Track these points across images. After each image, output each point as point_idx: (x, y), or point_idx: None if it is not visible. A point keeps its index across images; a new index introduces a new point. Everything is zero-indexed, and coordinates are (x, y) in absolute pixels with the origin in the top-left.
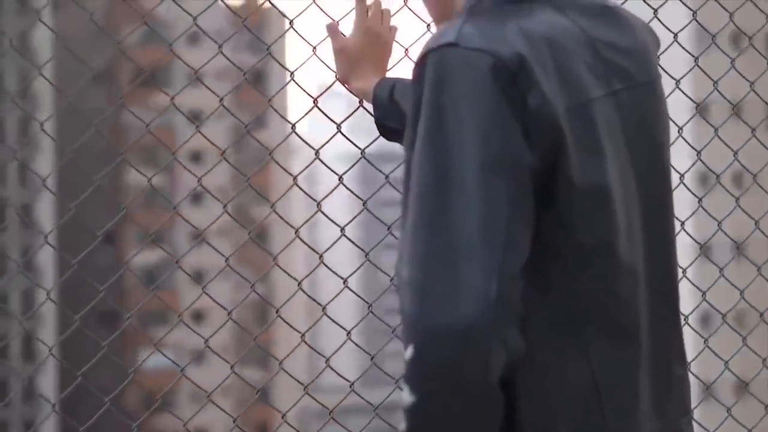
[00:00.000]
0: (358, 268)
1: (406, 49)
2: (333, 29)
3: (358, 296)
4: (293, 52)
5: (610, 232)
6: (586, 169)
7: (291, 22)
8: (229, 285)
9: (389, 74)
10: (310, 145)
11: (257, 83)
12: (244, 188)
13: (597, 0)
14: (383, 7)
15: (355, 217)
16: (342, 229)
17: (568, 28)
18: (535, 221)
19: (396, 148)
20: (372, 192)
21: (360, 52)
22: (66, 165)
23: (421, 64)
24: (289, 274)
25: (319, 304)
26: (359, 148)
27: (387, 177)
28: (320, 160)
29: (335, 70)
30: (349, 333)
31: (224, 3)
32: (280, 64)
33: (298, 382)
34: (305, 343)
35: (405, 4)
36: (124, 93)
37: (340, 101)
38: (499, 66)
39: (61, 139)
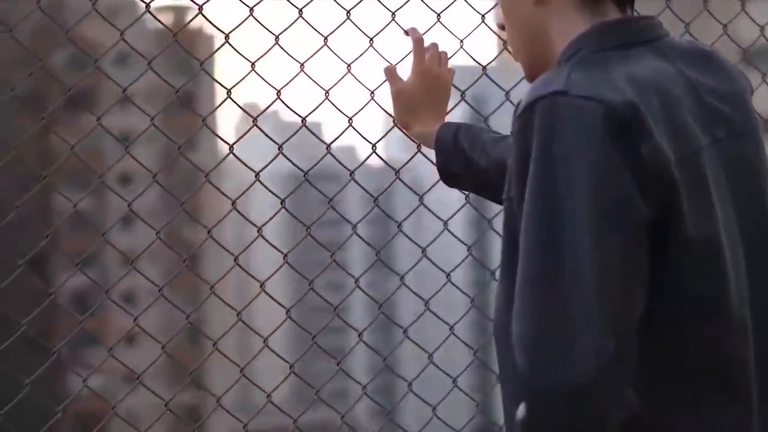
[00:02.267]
0: (301, 298)
1: (463, 93)
2: (391, 73)
3: (300, 326)
4: (222, 73)
5: (722, 285)
6: (698, 220)
7: (227, 36)
8: (162, 309)
9: (448, 118)
10: (250, 167)
11: (187, 105)
12: (177, 213)
13: (695, 44)
14: (440, 49)
15: (297, 244)
16: (285, 256)
17: (671, 73)
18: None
19: (331, 166)
20: (305, 212)
21: (418, 95)
22: None
23: (528, 112)
24: (225, 302)
25: (260, 335)
26: (302, 170)
27: (330, 201)
28: (261, 182)
29: (393, 114)
30: (292, 366)
31: (155, 17)
32: (217, 82)
33: (236, 418)
34: (244, 376)
35: (461, 46)
36: (49, 116)
37: (268, 122)
38: (611, 114)
39: None
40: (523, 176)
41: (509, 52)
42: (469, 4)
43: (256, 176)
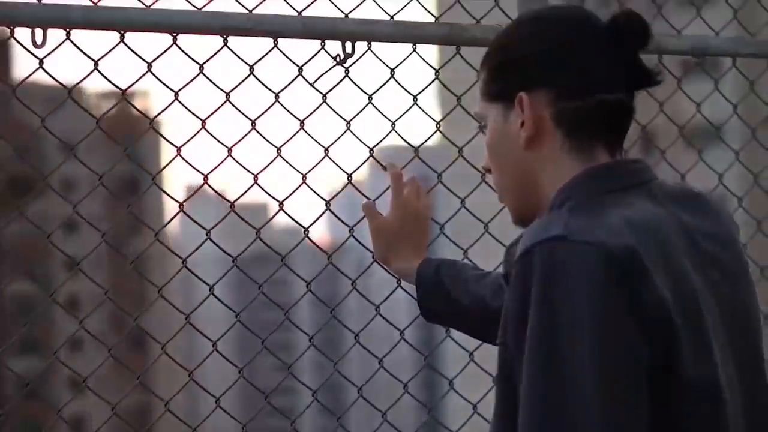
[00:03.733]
0: (233, 384)
1: (442, 226)
2: (369, 208)
3: (234, 419)
4: (167, 156)
5: (722, 428)
6: (698, 363)
7: (151, 121)
8: (107, 394)
9: (429, 252)
10: (176, 254)
11: (131, 190)
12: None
13: (685, 186)
14: (419, 184)
15: (229, 330)
16: (213, 344)
17: (665, 216)
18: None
19: (277, 248)
20: (248, 296)
21: (398, 230)
22: None
23: (526, 258)
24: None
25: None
26: (231, 256)
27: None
28: (188, 268)
29: (373, 250)
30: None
31: (93, 117)
32: (145, 170)
33: None
34: None
35: (439, 180)
36: None
37: (210, 206)
38: (612, 260)
39: None
40: (521, 322)
41: (494, 189)
42: (400, 84)
43: (183, 263)
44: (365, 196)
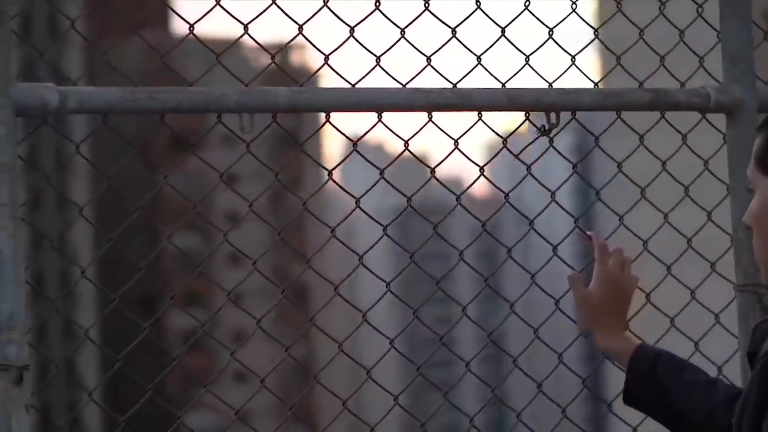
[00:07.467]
0: (405, 328)
1: (648, 297)
2: (575, 280)
3: (403, 355)
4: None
5: None
6: None
7: (326, 57)
8: (270, 346)
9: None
10: (351, 194)
11: (292, 141)
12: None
13: None
14: (624, 255)
15: (401, 272)
16: (387, 285)
17: None
18: None
19: (435, 201)
20: (410, 247)
21: (602, 301)
22: (103, 242)
23: None
24: (326, 334)
25: (363, 366)
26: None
27: (435, 228)
28: (361, 208)
29: (577, 321)
30: (396, 398)
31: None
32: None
33: None
34: (348, 410)
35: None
36: (156, 158)
37: (370, 155)
38: None
39: (100, 214)
40: (759, 414)
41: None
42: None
43: (356, 202)
44: (521, 161)
